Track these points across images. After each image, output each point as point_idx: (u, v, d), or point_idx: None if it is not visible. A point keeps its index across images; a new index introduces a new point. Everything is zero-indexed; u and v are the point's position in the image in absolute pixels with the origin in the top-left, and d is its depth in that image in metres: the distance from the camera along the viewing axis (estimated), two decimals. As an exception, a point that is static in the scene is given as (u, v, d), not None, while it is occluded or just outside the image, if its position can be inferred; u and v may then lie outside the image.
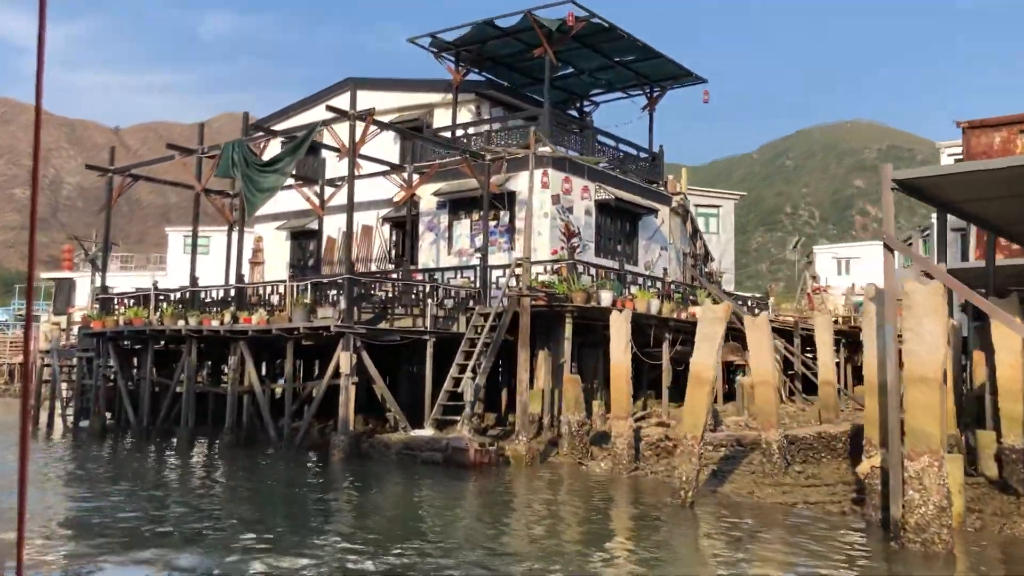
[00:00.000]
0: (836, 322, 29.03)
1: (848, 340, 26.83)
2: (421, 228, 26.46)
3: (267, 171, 20.57)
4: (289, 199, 30.82)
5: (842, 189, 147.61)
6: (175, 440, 22.31)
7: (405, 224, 28.44)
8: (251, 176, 20.77)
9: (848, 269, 46.59)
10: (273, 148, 26.33)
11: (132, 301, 24.64)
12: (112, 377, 24.85)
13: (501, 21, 24.71)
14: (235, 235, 23.15)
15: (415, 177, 24.77)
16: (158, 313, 22.82)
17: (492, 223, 24.93)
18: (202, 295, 22.70)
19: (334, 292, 19.79)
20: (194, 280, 22.88)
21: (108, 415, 25.33)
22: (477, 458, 17.27)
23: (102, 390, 24.51)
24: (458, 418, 20.22)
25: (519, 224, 24.31)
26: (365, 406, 22.62)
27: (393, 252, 29.12)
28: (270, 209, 31.17)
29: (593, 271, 21.53)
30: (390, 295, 20.63)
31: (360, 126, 19.72)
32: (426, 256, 26.21)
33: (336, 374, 19.42)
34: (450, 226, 25.87)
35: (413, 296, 20.91)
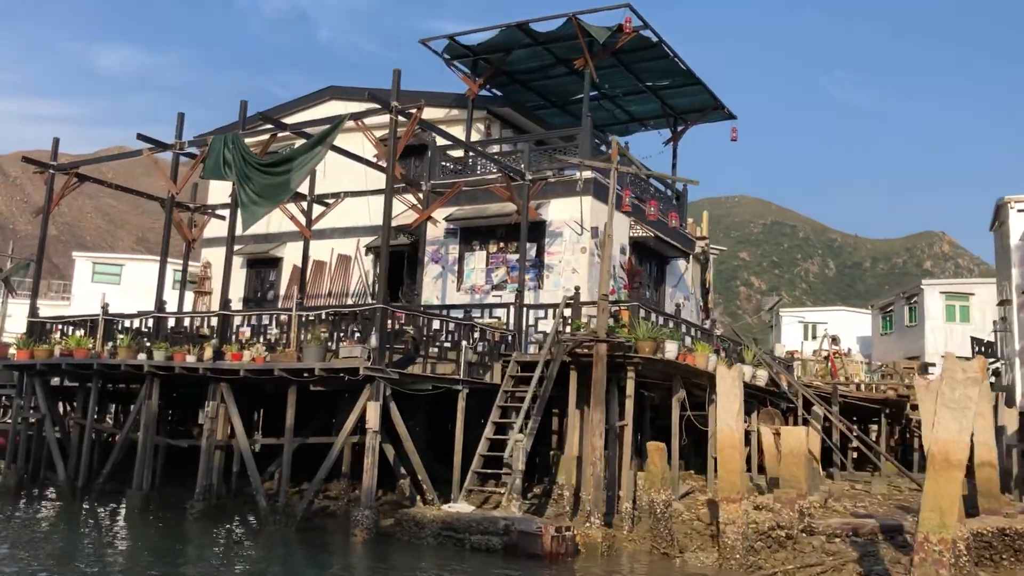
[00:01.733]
0: (858, 388, 26.40)
1: (892, 410, 24.07)
2: (424, 259, 22.62)
3: (274, 173, 16.51)
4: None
5: (728, 260, 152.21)
6: (122, 505, 17.66)
7: (398, 254, 24.63)
8: (251, 178, 16.68)
9: (815, 333, 44.63)
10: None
11: (72, 328, 19.94)
12: (35, 421, 19.96)
13: (536, 26, 21.42)
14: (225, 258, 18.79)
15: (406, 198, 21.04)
16: (110, 343, 18.25)
17: (513, 256, 21.33)
18: (169, 324, 18.25)
19: (356, 327, 15.75)
20: (161, 306, 18.42)
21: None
22: (553, 547, 13.45)
23: (22, 436, 19.60)
24: (494, 489, 16.40)
25: (549, 259, 20.82)
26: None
27: (376, 286, 25.12)
28: (223, 231, 26.96)
29: (655, 317, 18.10)
30: (424, 334, 16.69)
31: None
32: (429, 292, 22.34)
33: (356, 429, 15.38)
34: (461, 258, 22.11)
35: (446, 337, 17.06)
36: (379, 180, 24.33)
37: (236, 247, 27.38)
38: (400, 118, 16.02)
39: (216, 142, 17.43)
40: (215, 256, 28.10)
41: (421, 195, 22.07)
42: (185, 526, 15.91)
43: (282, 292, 26.73)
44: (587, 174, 20.38)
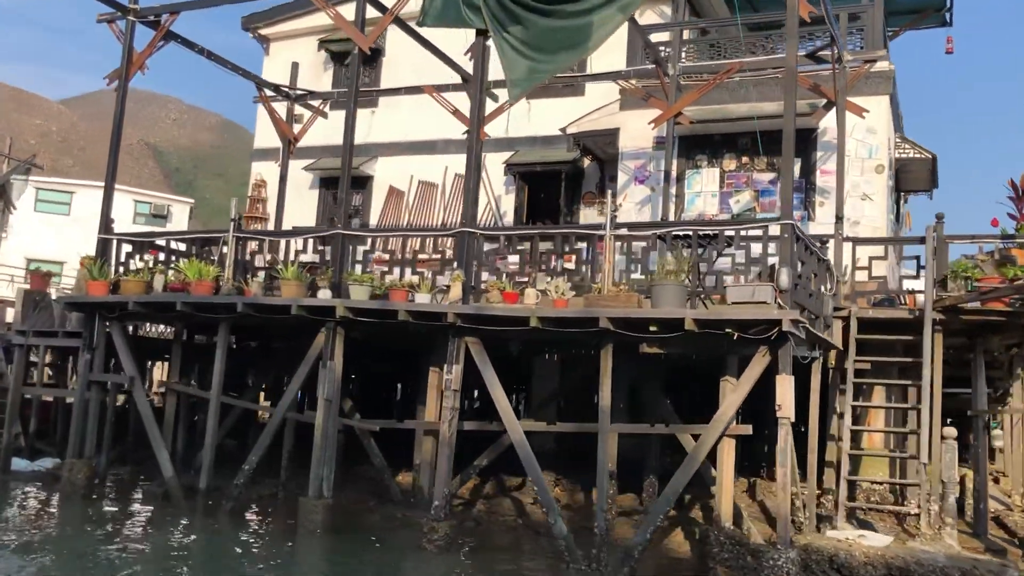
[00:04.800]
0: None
1: None
2: (621, 179, 16.87)
3: (568, 13, 10.48)
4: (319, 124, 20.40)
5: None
6: (292, 524, 11.58)
7: (551, 175, 18.85)
8: (523, 22, 10.63)
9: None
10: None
11: (157, 251, 13.51)
12: (114, 387, 13.57)
13: None
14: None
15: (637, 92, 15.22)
16: (259, 276, 11.99)
17: (765, 176, 15.90)
18: (367, 246, 12.08)
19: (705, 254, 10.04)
20: (349, 220, 12.18)
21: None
22: None
23: (92, 408, 13.13)
24: (897, 508, 11.12)
25: (822, 180, 15.39)
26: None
27: (513, 214, 19.35)
28: (280, 140, 20.81)
29: None
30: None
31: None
32: (628, 220, 16.62)
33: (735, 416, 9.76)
34: (680, 177, 16.44)
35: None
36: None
37: (306, 162, 21.43)
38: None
39: (446, -33, 11.25)
40: (270, 171, 21.70)
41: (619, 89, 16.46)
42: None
43: (372, 220, 20.61)
44: (884, 65, 15.01)
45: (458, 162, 19.87)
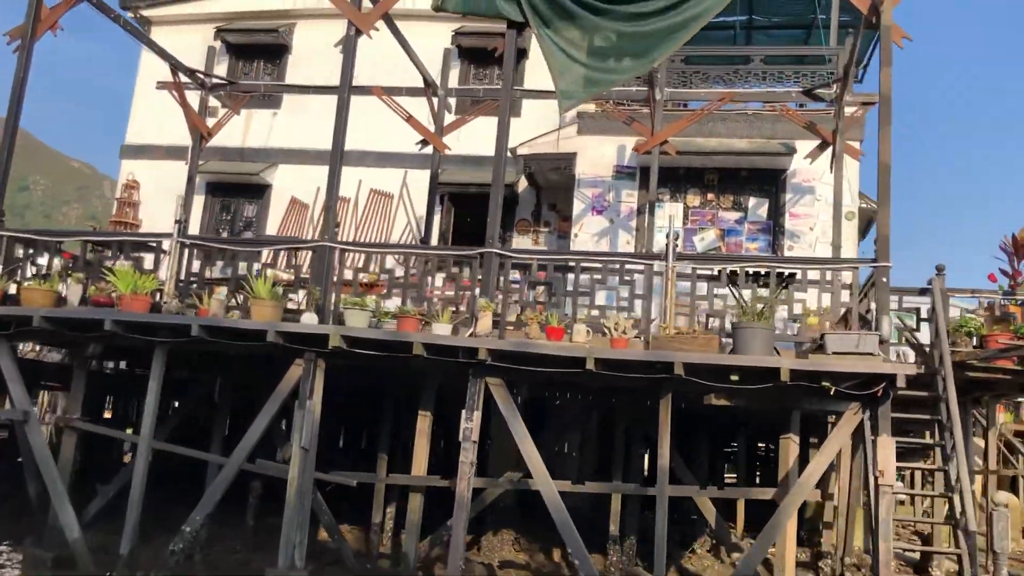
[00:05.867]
0: None
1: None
2: (576, 207, 15.62)
3: (636, 15, 9.10)
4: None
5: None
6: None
7: (484, 198, 17.27)
8: (578, 20, 9.19)
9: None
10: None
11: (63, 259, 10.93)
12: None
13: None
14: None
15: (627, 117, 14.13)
16: (218, 293, 9.75)
17: (731, 215, 15.16)
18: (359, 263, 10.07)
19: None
20: (334, 231, 10.08)
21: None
22: None
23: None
24: None
25: (792, 224, 14.82)
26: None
27: (438, 238, 17.67)
28: (159, 137, 18.75)
29: None
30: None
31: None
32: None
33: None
34: (641, 210, 15.37)
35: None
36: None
37: (185, 163, 18.86)
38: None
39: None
40: (143, 171, 19.16)
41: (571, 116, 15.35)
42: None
43: (269, 233, 18.38)
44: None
45: (373, 176, 18.18)
